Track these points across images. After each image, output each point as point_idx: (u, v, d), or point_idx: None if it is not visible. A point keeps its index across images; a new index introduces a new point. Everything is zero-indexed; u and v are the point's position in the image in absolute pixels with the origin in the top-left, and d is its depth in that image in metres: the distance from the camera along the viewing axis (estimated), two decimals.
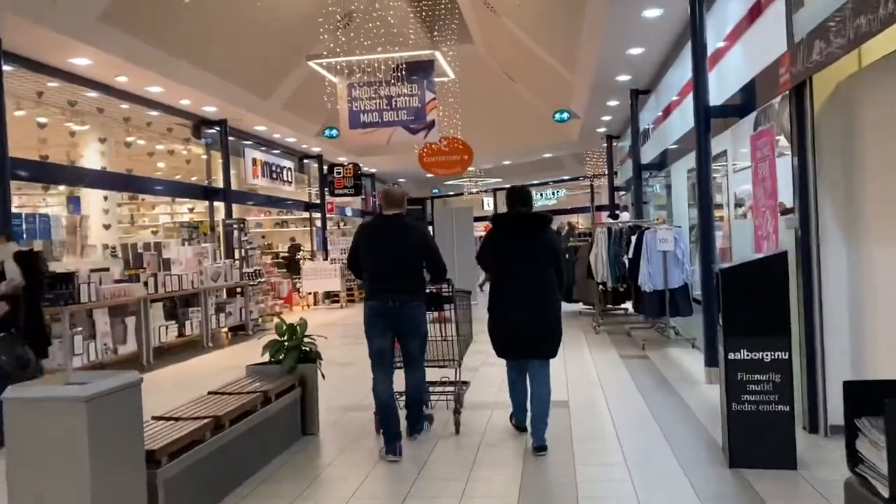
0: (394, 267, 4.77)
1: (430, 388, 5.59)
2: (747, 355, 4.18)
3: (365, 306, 4.87)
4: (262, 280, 12.99)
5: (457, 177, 28.28)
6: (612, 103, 13.22)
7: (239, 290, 12.34)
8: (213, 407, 4.44)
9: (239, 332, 12.22)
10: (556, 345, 4.74)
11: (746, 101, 6.23)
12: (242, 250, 13.10)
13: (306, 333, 5.50)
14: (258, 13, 10.80)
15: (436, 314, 5.34)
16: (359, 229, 5.13)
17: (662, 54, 9.66)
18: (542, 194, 32.26)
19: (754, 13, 5.68)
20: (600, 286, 10.75)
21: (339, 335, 11.72)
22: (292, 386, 5.35)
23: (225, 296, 12.16)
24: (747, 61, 5.94)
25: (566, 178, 30.07)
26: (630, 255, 9.22)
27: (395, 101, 9.71)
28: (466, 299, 5.82)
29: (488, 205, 33.13)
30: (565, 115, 14.95)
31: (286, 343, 5.43)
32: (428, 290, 5.13)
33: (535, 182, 31.21)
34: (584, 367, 7.99)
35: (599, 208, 29.08)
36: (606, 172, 23.22)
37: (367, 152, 16.13)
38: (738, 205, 6.92)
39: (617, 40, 9.06)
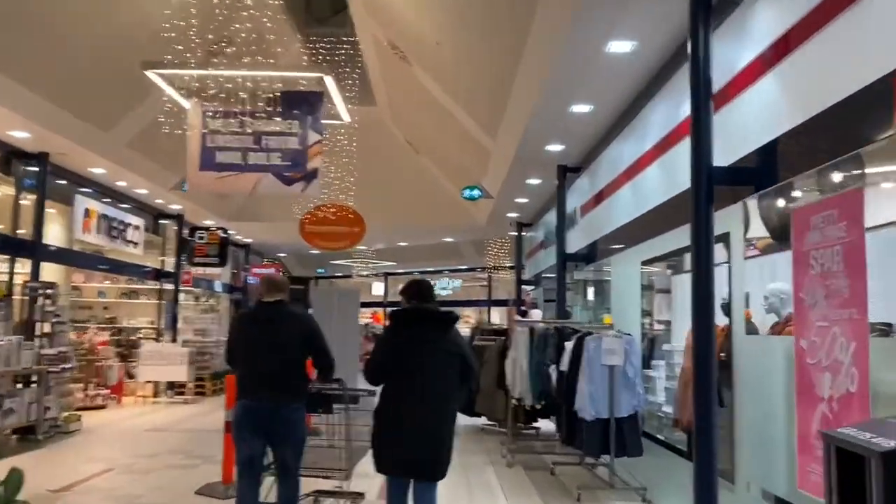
0: (270, 361, 4.49)
1: (322, 500, 5.34)
2: None
3: (235, 405, 4.55)
4: (70, 366, 9.87)
5: (344, 255, 26.01)
6: (533, 181, 11.42)
7: (35, 378, 9.23)
8: None
9: (30, 436, 9.05)
10: (447, 464, 4.29)
11: (769, 163, 4.34)
12: (48, 324, 10.01)
13: None
14: (94, 18, 8.31)
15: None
16: (234, 317, 4.86)
17: (611, 117, 7.88)
18: (436, 283, 30.48)
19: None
20: (514, 401, 8.50)
21: (169, 449, 8.75)
22: None
23: (12, 385, 9.01)
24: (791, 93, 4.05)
25: (463, 267, 28.38)
26: (564, 367, 7.04)
27: (267, 141, 7.34)
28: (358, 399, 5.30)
29: (378, 290, 30.89)
30: (475, 193, 13.06)
31: None
32: (314, 390, 4.90)
33: (430, 269, 29.43)
34: None
35: (496, 303, 27.53)
36: (510, 265, 21.79)
37: (224, 196, 13.27)
38: (768, 310, 4.92)
39: (559, 93, 7.21)
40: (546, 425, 10.38)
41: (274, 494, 4.77)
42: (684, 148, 5.67)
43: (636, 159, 7.09)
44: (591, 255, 9.82)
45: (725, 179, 4.57)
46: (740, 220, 4.71)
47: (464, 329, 27.06)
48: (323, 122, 7.61)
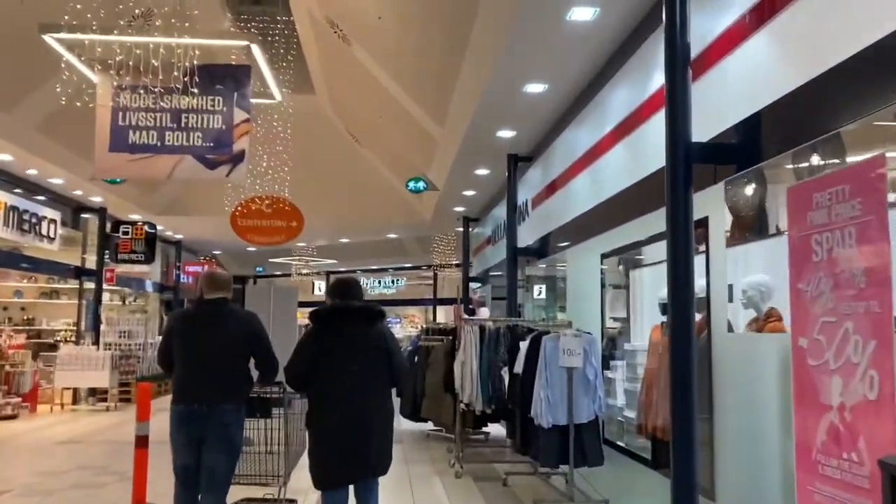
0: (207, 361, 4.27)
1: None
2: None
3: (171, 411, 4.26)
4: None
5: (284, 253, 25.05)
6: (482, 172, 10.85)
7: None
8: None
9: None
10: (388, 463, 4.15)
11: (750, 139, 3.84)
12: None
13: None
14: None
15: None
16: (171, 317, 4.71)
17: (568, 98, 7.35)
18: (380, 281, 29.83)
19: None
20: (462, 405, 7.90)
21: (80, 464, 7.87)
22: None
23: None
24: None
25: (408, 265, 27.73)
26: (519, 369, 6.47)
27: (186, 119, 6.54)
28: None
29: (320, 289, 29.95)
30: (421, 185, 12.42)
31: None
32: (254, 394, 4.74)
33: (374, 267, 28.73)
34: None
35: (442, 301, 26.96)
36: (456, 262, 21.22)
37: (139, 179, 12.17)
38: (747, 305, 4.43)
39: (512, 71, 6.64)
40: (496, 430, 9.83)
41: None
42: (652, 127, 5.18)
43: (595, 143, 6.59)
44: (543, 249, 9.29)
45: (705, 157, 4.05)
46: (721, 204, 4.20)
47: (409, 330, 26.45)
48: (252, 101, 6.86)
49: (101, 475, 7.40)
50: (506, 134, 8.73)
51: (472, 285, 15.95)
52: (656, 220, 5.26)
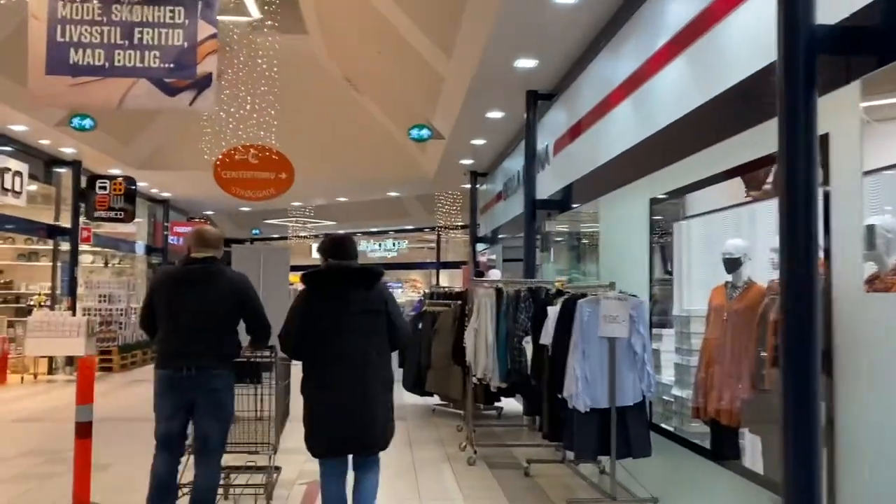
0: (195, 324, 4.11)
1: (233, 476, 5.07)
2: None
3: (155, 375, 4.15)
4: None
5: (280, 214, 23.91)
6: (495, 115, 9.64)
7: None
8: None
9: None
10: (389, 436, 3.97)
11: None
12: None
13: None
14: None
15: None
16: (155, 276, 4.58)
17: (604, 13, 6.14)
18: (380, 244, 28.79)
19: None
20: (475, 379, 6.84)
21: (30, 448, 6.85)
22: None
23: None
24: None
25: (410, 227, 26.62)
26: (547, 340, 5.37)
27: (140, 34, 5.33)
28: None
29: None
30: (425, 133, 11.21)
31: None
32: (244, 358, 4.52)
33: (374, 229, 27.65)
34: None
35: (446, 265, 25.92)
36: (461, 224, 20.08)
37: (81, 109, 10.81)
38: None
39: None
40: (510, 404, 8.81)
41: (191, 475, 4.24)
42: (734, 25, 4.00)
43: (643, 63, 5.38)
44: (566, 201, 8.13)
45: (834, 45, 2.88)
46: (853, 113, 3.04)
47: (412, 295, 25.44)
48: (222, 18, 5.68)
49: (50, 463, 6.38)
50: (525, 64, 7.51)
51: (479, 247, 14.84)
52: (732, 151, 4.12)
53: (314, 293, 3.94)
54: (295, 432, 4.45)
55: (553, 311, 5.37)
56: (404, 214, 24.21)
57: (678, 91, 4.76)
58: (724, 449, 4.77)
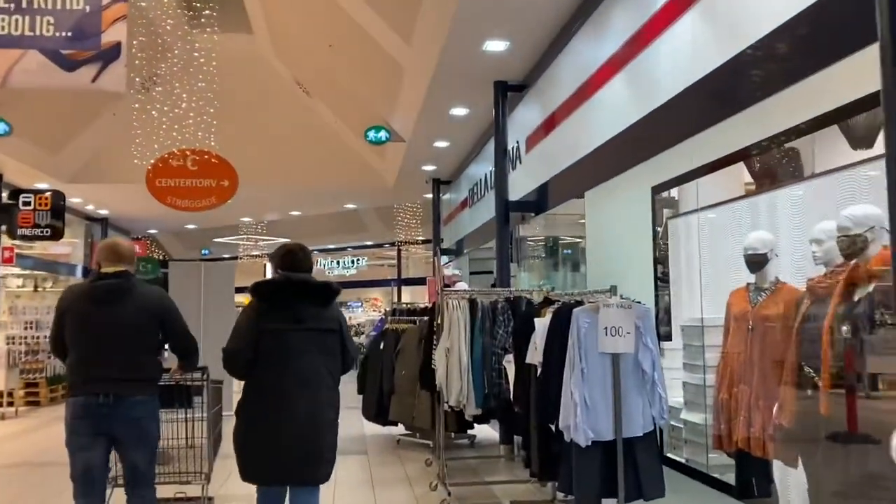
0: (108, 346, 3.78)
1: None
2: None
3: (67, 405, 3.80)
4: None
5: (229, 232, 22.74)
6: (459, 112, 8.84)
7: None
8: None
9: None
10: (332, 465, 3.75)
11: None
12: None
13: None
14: None
15: None
16: (62, 295, 4.02)
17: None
18: (338, 262, 27.81)
19: None
20: (447, 407, 5.94)
21: None
22: None
23: None
24: None
25: (369, 243, 25.68)
26: (535, 358, 4.51)
27: None
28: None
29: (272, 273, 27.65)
30: (383, 135, 10.35)
31: None
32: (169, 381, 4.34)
33: (331, 246, 26.62)
34: None
35: (407, 282, 25.06)
36: (422, 239, 19.25)
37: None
38: None
39: None
40: (483, 430, 7.95)
41: None
42: None
43: (639, 28, 4.61)
44: (541, 201, 7.35)
45: None
46: None
47: (372, 314, 24.47)
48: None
49: None
50: (495, 47, 6.72)
51: (443, 259, 13.97)
52: (763, 117, 3.34)
53: (264, 306, 3.65)
54: (229, 458, 4.03)
55: (541, 324, 4.52)
56: (363, 229, 23.27)
57: (688, 54, 3.99)
58: (752, 485, 3.99)
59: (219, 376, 4.80)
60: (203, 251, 27.49)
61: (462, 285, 10.58)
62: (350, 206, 19.05)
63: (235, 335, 3.65)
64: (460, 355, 5.52)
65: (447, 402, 5.70)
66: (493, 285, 11.50)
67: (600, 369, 4.10)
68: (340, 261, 27.76)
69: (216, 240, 24.82)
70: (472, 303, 5.70)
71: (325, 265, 28.10)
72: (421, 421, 7.62)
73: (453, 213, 13.26)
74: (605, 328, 4.08)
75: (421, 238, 19.60)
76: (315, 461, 3.66)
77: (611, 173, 5.15)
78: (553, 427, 4.32)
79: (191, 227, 21.98)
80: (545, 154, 7.11)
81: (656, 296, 4.56)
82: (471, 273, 12.01)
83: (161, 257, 24.06)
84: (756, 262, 4.07)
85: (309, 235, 24.27)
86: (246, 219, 20.74)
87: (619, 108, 5.02)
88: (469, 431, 7.98)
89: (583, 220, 6.47)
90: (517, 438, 7.10)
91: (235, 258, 25.66)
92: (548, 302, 4.73)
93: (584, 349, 4.08)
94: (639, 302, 4.24)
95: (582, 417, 4.00)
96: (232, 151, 9.91)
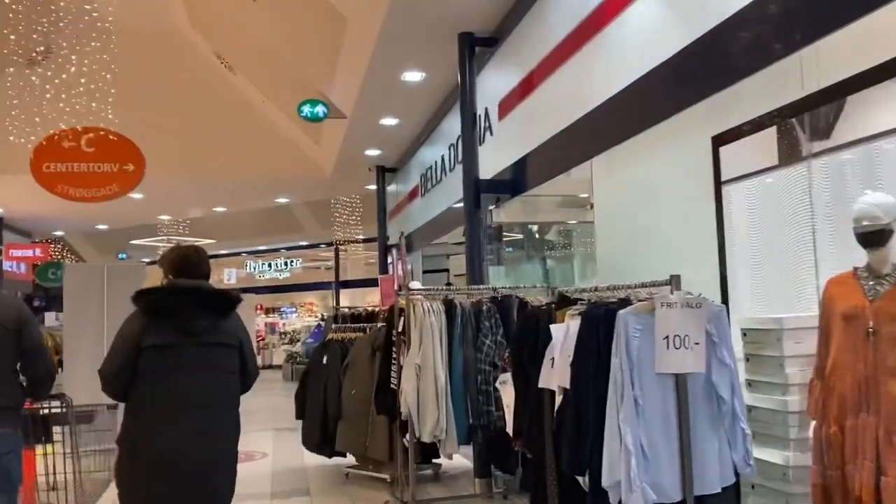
0: None
1: None
2: None
3: None
4: None
5: (147, 233, 20.79)
6: (413, 77, 7.52)
7: None
8: None
9: None
10: (230, 498, 3.37)
11: None
12: None
13: None
14: None
15: None
16: None
17: None
18: (270, 265, 26.23)
19: None
20: (408, 439, 4.62)
21: None
22: None
23: None
24: None
25: (304, 244, 24.16)
26: (553, 382, 3.21)
27: None
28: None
29: None
30: (319, 110, 8.92)
31: None
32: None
33: (263, 248, 24.95)
34: None
35: (347, 284, 23.57)
36: (363, 238, 17.89)
37: None
38: None
39: None
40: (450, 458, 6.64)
41: None
42: None
43: None
44: (517, 180, 6.10)
45: None
46: None
47: (308, 321, 22.97)
48: None
49: None
50: None
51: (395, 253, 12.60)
52: None
53: (151, 317, 3.24)
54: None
55: (561, 332, 3.23)
56: (297, 229, 21.71)
57: None
58: None
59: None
60: (120, 255, 25.41)
61: (416, 285, 9.31)
62: (282, 199, 17.45)
63: (112, 354, 3.23)
64: (436, 375, 4.20)
65: (420, 434, 4.36)
66: (449, 285, 10.32)
67: (659, 397, 2.85)
68: (273, 263, 26.14)
69: (133, 242, 22.80)
70: (450, 305, 4.38)
71: (255, 268, 26.48)
72: (376, 451, 6.28)
73: (401, 205, 11.91)
74: (667, 337, 2.82)
75: (362, 237, 18.27)
76: (210, 495, 3.28)
77: (636, 129, 3.90)
78: (585, 481, 3.06)
79: (102, 227, 19.95)
80: (525, 121, 5.87)
81: (724, 291, 3.32)
82: (424, 272, 10.70)
83: (74, 262, 21.98)
84: (874, 237, 2.89)
85: (238, 236, 22.56)
86: (164, 217, 18.89)
87: (648, 39, 3.78)
88: (434, 460, 6.68)
89: (574, 199, 5.27)
90: (500, 473, 5.84)
91: (154, 262, 23.73)
92: (565, 301, 3.44)
93: (637, 370, 2.82)
94: (706, 298, 2.98)
95: (640, 470, 2.73)
96: (140, 136, 8.35)
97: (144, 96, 11.26)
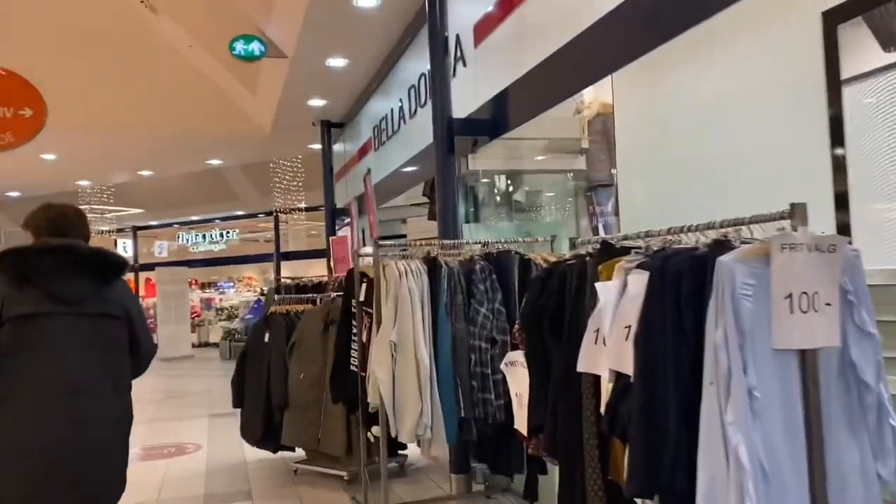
0: None
1: None
2: None
3: None
4: None
5: (67, 200, 19.12)
6: (366, 2, 6.41)
7: None
8: None
9: None
10: (119, 494, 2.90)
11: None
12: None
13: None
14: None
15: None
16: None
17: None
18: (204, 236, 24.76)
19: None
20: (370, 435, 3.67)
21: None
22: None
23: None
24: None
25: (241, 213, 22.79)
26: (611, 363, 2.25)
27: None
28: None
29: (126, 249, 24.14)
30: (255, 47, 7.73)
31: None
32: None
33: (196, 218, 23.50)
34: None
35: (288, 256, 22.33)
36: (305, 206, 16.71)
37: None
38: None
39: None
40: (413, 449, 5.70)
41: None
42: None
43: None
44: (498, 119, 5.11)
45: None
46: None
47: (247, 296, 21.73)
48: None
49: None
50: None
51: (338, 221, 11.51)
52: None
53: (12, 284, 2.75)
54: None
55: (612, 293, 2.27)
56: (232, 198, 20.33)
57: None
58: None
59: None
60: None
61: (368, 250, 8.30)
62: (215, 161, 16.07)
63: None
64: (417, 355, 3.21)
65: (396, 436, 3.38)
66: (404, 249, 9.33)
67: (776, 387, 1.92)
68: (207, 234, 24.66)
69: None
70: (433, 265, 3.38)
71: (189, 240, 24.98)
72: (330, 445, 5.34)
73: (348, 165, 10.81)
74: (789, 296, 1.90)
75: (304, 205, 17.10)
76: (91, 494, 2.81)
77: (687, 19, 2.94)
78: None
79: (13, 194, 18.18)
80: (510, 43, 4.88)
81: (839, 226, 2.40)
82: (381, 238, 9.65)
83: None
84: None
85: (168, 206, 21.05)
86: (84, 182, 17.31)
87: None
88: (400, 451, 5.75)
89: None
90: (478, 465, 4.94)
91: None
92: (609, 251, 2.48)
93: (751, 346, 1.88)
94: (847, 243, 2.06)
95: (759, 497, 1.81)
96: (46, 85, 7.07)
97: (51, 40, 9.87)
